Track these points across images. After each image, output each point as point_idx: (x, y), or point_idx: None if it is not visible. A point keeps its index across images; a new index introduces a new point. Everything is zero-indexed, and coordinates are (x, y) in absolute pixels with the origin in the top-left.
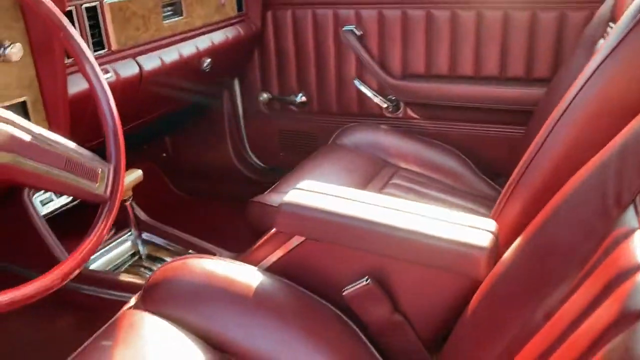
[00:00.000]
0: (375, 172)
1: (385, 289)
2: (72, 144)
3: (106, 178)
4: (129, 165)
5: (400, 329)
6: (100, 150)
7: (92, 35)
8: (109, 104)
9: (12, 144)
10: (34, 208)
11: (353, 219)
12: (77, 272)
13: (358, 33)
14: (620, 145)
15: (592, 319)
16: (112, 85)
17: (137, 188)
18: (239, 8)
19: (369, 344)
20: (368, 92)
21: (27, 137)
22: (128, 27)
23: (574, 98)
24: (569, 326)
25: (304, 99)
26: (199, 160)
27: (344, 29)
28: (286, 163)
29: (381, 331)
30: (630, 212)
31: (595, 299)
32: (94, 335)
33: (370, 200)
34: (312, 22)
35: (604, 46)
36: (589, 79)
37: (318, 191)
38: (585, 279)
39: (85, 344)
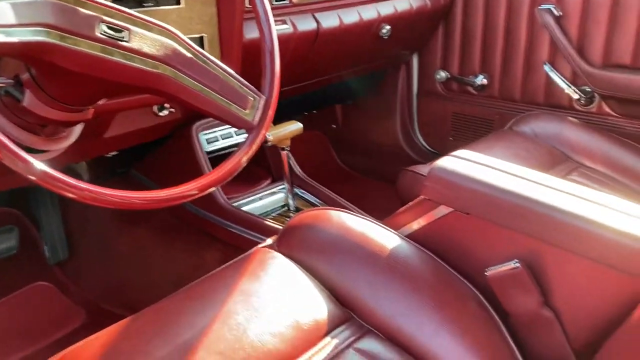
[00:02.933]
0: (552, 165)
1: (536, 277)
2: (230, 70)
3: (256, 107)
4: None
5: (547, 326)
6: None
7: None
8: (272, 43)
9: (174, 58)
10: (199, 142)
11: (511, 194)
12: (212, 188)
13: (557, 13)
14: None
15: None
16: (288, 37)
17: (301, 151)
18: None
19: (506, 335)
20: (559, 80)
21: (188, 54)
22: None
23: None
24: None
25: (484, 81)
26: (366, 135)
27: (540, 7)
28: (455, 149)
29: (525, 324)
30: None
31: None
32: (224, 265)
33: (534, 177)
34: (506, 0)
35: None
36: None
37: (475, 160)
38: None
39: (213, 271)
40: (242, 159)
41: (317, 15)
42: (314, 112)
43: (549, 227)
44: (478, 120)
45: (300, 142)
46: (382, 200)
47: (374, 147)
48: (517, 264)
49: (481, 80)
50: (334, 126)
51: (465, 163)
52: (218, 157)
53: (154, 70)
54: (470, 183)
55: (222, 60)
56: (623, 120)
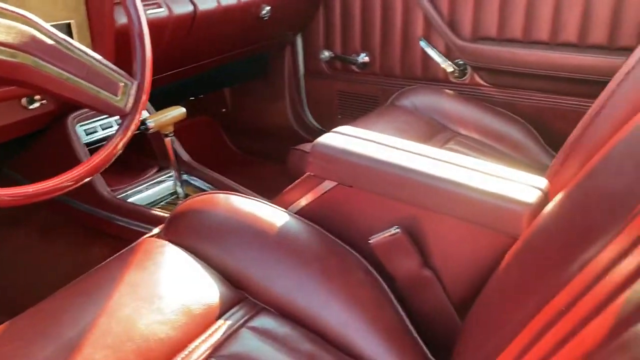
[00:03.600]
0: (431, 135)
1: (415, 241)
2: (97, 55)
3: (128, 93)
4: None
5: (429, 285)
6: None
7: None
8: (140, 26)
9: (33, 46)
10: (76, 134)
11: (387, 165)
12: (87, 178)
13: None
14: None
15: (626, 263)
16: (164, 20)
17: (191, 137)
18: None
19: (392, 297)
20: (434, 54)
21: (49, 41)
22: None
23: None
24: (602, 272)
25: (366, 59)
26: (256, 117)
27: None
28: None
29: (408, 286)
30: None
31: (633, 243)
32: (109, 259)
33: (409, 148)
34: None
35: None
36: None
37: (354, 135)
38: (627, 225)
39: (98, 266)
40: (117, 146)
41: None
42: (201, 96)
43: (424, 193)
44: (363, 97)
45: (190, 127)
46: (276, 180)
47: (266, 128)
48: (397, 230)
49: (363, 58)
50: (224, 110)
51: (346, 138)
52: (99, 149)
53: (12, 60)
54: (350, 157)
55: (93, 46)
56: (493, 90)
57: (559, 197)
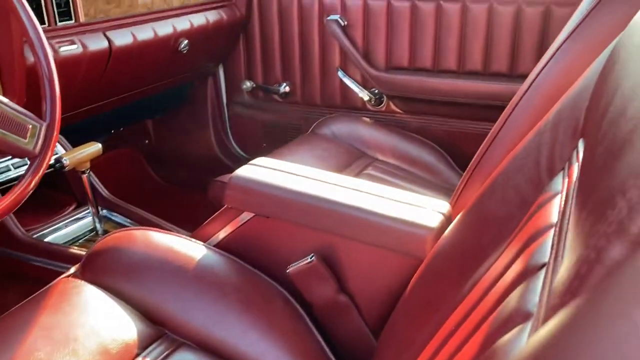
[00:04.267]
0: (350, 162)
1: (331, 267)
2: (3, 98)
3: (37, 135)
4: (111, 148)
5: (345, 310)
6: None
7: (58, 5)
8: (49, 67)
9: None
10: None
11: (301, 195)
12: None
13: (343, 23)
14: (555, 111)
15: (501, 281)
16: (78, 57)
17: (113, 170)
18: None
19: (310, 324)
20: (351, 84)
21: None
22: (98, 0)
23: (532, 82)
24: (485, 291)
25: (287, 89)
26: (181, 147)
27: (328, 18)
28: (268, 154)
29: (326, 312)
30: (559, 178)
31: (510, 261)
32: (24, 301)
33: (322, 178)
34: (298, 11)
35: (564, 29)
36: (548, 61)
37: (270, 167)
38: (509, 245)
39: (10, 310)
40: (27, 187)
41: (108, 33)
42: (122, 129)
43: (336, 220)
44: (286, 126)
45: (112, 160)
46: (201, 210)
47: (191, 159)
48: (313, 258)
49: (284, 87)
50: (147, 141)
51: (263, 170)
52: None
53: None
54: (266, 188)
55: (2, 87)
56: (408, 116)
57: (457, 220)
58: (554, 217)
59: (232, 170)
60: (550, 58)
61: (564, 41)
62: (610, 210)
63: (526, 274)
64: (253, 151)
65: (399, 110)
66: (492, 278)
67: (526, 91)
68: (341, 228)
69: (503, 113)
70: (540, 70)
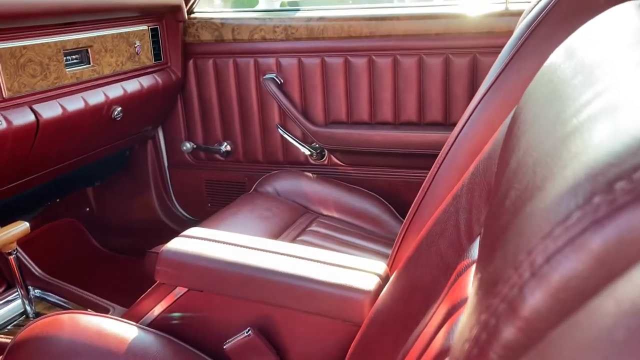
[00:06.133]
0: (293, 219)
1: (270, 340)
2: None
3: None
4: (50, 220)
5: None
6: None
7: None
8: None
9: None
10: None
11: (234, 265)
12: None
13: (279, 81)
14: (471, 173)
15: (426, 354)
16: (3, 134)
17: (52, 244)
18: (157, 57)
19: None
20: (291, 140)
21: None
22: (22, 74)
23: (458, 133)
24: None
25: (228, 148)
26: (123, 214)
27: (264, 77)
28: (209, 216)
29: None
30: (477, 243)
31: (435, 331)
32: None
33: (255, 245)
34: (234, 71)
35: (485, 80)
36: (471, 114)
37: (202, 237)
38: (435, 312)
39: None
40: None
41: (35, 107)
42: (58, 200)
43: (271, 290)
44: (230, 184)
45: (52, 233)
46: (146, 281)
47: (134, 225)
48: (250, 332)
49: (225, 147)
50: (88, 209)
51: (194, 241)
52: None
53: None
54: (198, 261)
55: None
56: (350, 169)
57: (390, 282)
58: (471, 286)
59: (177, 233)
60: (473, 110)
61: (485, 93)
62: (501, 285)
63: (449, 348)
64: (198, 213)
65: (341, 163)
66: (420, 349)
67: (452, 144)
68: (277, 298)
69: (434, 164)
70: (465, 122)
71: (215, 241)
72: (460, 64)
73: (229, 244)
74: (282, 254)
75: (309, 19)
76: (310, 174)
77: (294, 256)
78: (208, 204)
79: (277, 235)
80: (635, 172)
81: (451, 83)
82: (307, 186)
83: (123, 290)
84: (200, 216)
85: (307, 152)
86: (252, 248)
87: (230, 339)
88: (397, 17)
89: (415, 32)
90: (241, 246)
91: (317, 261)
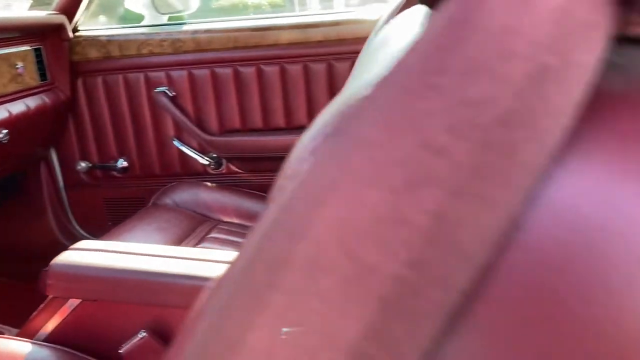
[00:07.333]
0: (192, 229)
1: (165, 339)
2: None
3: None
4: None
5: None
6: None
7: None
8: None
9: None
10: None
11: (122, 272)
12: None
13: (171, 94)
14: None
15: None
16: None
17: None
18: (43, 77)
19: None
20: (188, 151)
21: None
22: None
23: None
24: None
25: (125, 164)
26: (20, 240)
27: (156, 89)
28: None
29: None
30: None
31: None
32: None
33: (142, 251)
34: (125, 87)
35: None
36: None
37: (93, 248)
38: None
39: None
40: None
41: None
42: None
43: (161, 292)
44: (130, 200)
45: None
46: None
47: (32, 250)
48: (144, 334)
49: (122, 163)
50: None
51: (82, 253)
52: None
53: None
54: (88, 271)
55: None
56: (249, 175)
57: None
58: None
59: None
60: None
61: None
62: None
63: None
64: (99, 232)
65: (239, 171)
66: None
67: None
68: (166, 298)
69: None
70: None
71: (104, 251)
72: (343, 68)
73: (117, 252)
74: (170, 256)
75: (196, 32)
76: (209, 184)
77: (179, 257)
78: (109, 222)
79: (176, 244)
80: None
81: (337, 87)
82: (206, 195)
83: (20, 314)
84: (102, 235)
85: (205, 162)
86: (139, 254)
87: (125, 344)
88: (281, 27)
89: (299, 40)
90: (129, 253)
91: (202, 260)
